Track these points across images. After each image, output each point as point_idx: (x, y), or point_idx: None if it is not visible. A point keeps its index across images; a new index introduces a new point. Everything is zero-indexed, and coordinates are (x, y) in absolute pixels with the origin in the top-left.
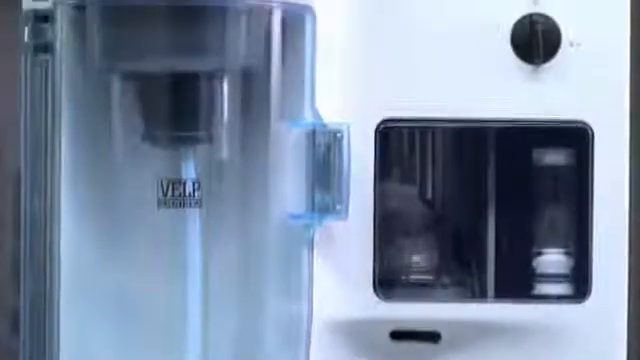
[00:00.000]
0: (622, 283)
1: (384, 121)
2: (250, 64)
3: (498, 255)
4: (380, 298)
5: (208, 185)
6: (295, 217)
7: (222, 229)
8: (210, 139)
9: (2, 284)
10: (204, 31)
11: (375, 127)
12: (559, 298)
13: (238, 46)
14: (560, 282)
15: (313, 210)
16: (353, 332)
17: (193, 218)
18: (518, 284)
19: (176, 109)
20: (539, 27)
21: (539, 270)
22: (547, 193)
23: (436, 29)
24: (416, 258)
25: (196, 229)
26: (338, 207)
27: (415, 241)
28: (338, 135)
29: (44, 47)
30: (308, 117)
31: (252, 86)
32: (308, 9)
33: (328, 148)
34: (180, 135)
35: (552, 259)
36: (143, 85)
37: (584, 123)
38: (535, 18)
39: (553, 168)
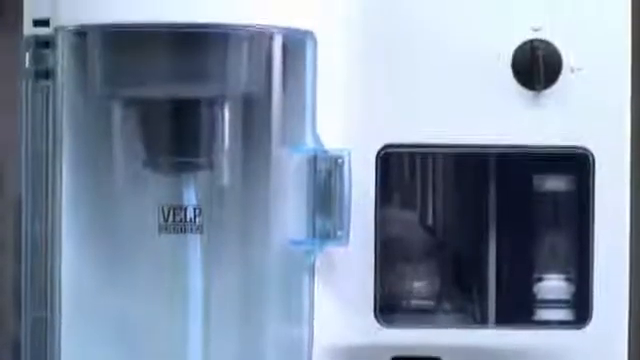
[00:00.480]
0: (623, 309)
1: (385, 147)
2: (251, 90)
3: (499, 281)
4: (381, 324)
5: (209, 211)
6: (296, 243)
7: (223, 255)
8: (211, 165)
9: (3, 310)
10: (205, 57)
11: (376, 153)
12: (560, 324)
13: (239, 72)
14: (561, 308)
15: (314, 236)
16: (354, 358)
17: (194, 244)
18: (519, 310)
19: (177, 135)
20: (540, 53)
21: (540, 296)
22: (548, 219)
23: (437, 55)
24: (417, 284)
25: (197, 255)
26: (339, 233)
27: (416, 267)
28: (339, 161)
29: (45, 73)
30: (309, 143)
31: (253, 112)
32: (309, 35)
33: (329, 174)
34: (181, 161)
35: (553, 285)
36: (144, 111)
37: (585, 149)
38: (536, 44)
39: (554, 194)
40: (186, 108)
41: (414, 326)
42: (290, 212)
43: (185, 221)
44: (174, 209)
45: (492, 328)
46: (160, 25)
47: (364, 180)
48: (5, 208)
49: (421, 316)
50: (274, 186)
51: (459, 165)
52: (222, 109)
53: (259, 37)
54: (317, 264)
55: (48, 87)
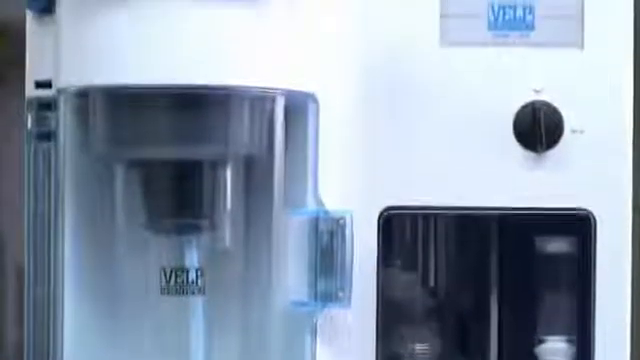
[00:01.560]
0: None
1: (387, 208)
2: (253, 152)
3: (501, 342)
4: None
5: (211, 272)
6: (298, 304)
7: (225, 316)
8: (213, 227)
9: None
10: (207, 119)
11: (378, 215)
12: None
13: (241, 134)
14: None
15: (316, 297)
16: None
17: (196, 305)
18: None
19: (179, 197)
20: (541, 115)
21: (542, 358)
22: (549, 280)
23: (439, 117)
24: (419, 346)
25: (199, 316)
26: (341, 294)
27: (418, 329)
28: (341, 222)
29: (47, 135)
30: (311, 204)
31: (255, 174)
32: (311, 97)
33: (331, 235)
34: (183, 223)
35: (555, 347)
36: (146, 173)
37: (586, 211)
38: (537, 106)
39: (556, 256)
40: (188, 170)
41: None
42: (292, 273)
43: (187, 283)
44: (176, 271)
45: None
46: (162, 87)
47: (366, 241)
48: (7, 274)
49: None
50: (276, 247)
51: (461, 227)
52: (224, 171)
53: (261, 99)
54: (319, 325)
55: (50, 149)
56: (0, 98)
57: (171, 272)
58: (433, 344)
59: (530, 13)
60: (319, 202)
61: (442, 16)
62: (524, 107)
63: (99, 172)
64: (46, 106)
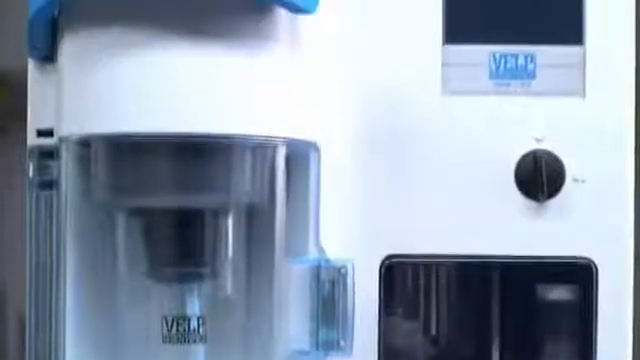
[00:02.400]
0: None
1: (388, 257)
2: (255, 200)
3: None
4: None
5: (213, 321)
6: (299, 353)
7: None
8: (214, 275)
9: None
10: (209, 168)
11: (379, 263)
12: None
13: (243, 183)
14: None
15: (317, 346)
16: None
17: (198, 354)
18: None
19: (181, 245)
20: (543, 164)
21: None
22: (551, 329)
23: (440, 165)
24: None
25: None
26: (342, 343)
27: None
28: (342, 271)
29: (49, 183)
30: (312, 253)
31: (256, 222)
32: (312, 145)
33: (332, 284)
34: (184, 271)
35: None
36: (147, 221)
37: (588, 259)
38: (539, 155)
39: (557, 304)
40: (189, 218)
41: None
42: (293, 322)
43: (189, 331)
44: (177, 319)
45: None
46: (163, 135)
47: (367, 290)
48: (8, 324)
49: None
50: (277, 296)
51: (462, 275)
52: (225, 219)
53: (263, 148)
54: None
55: (52, 197)
56: (1, 147)
57: (173, 320)
58: None
59: (531, 62)
60: (321, 250)
61: (443, 65)
62: (525, 156)
63: (101, 220)
64: (48, 154)
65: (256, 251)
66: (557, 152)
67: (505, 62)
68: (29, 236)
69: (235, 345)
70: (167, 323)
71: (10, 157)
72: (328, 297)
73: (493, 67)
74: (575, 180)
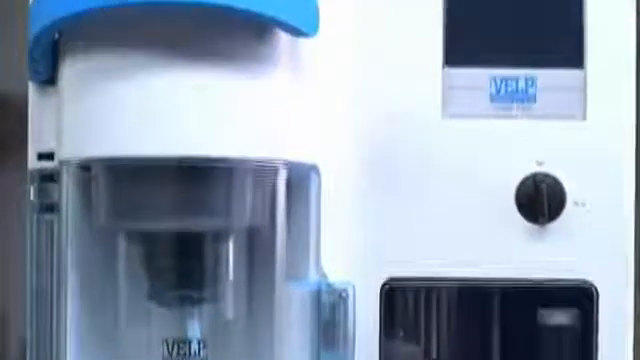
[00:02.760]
0: None
1: (389, 280)
2: (255, 223)
3: None
4: None
5: (213, 344)
6: None
7: None
8: (215, 298)
9: None
10: (210, 191)
11: (380, 286)
12: None
13: (243, 206)
14: None
15: None
16: None
17: None
18: None
19: (182, 268)
20: (543, 187)
21: None
22: (552, 352)
23: (441, 188)
24: None
25: None
26: None
27: None
28: (343, 294)
29: (50, 207)
30: (313, 276)
31: (257, 245)
32: (313, 168)
33: (333, 307)
34: (185, 295)
35: None
36: (148, 244)
37: (589, 283)
38: (539, 178)
39: (558, 328)
40: (190, 241)
41: None
42: (294, 345)
43: (189, 354)
44: (178, 342)
45: None
46: (164, 159)
47: (368, 313)
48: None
49: None
50: (278, 319)
51: (463, 298)
52: (226, 242)
53: (264, 171)
54: None
55: (53, 221)
56: (1, 170)
57: (174, 343)
58: None
59: (532, 85)
60: (321, 274)
61: (444, 88)
62: (526, 179)
63: (102, 243)
64: (48, 178)
65: (257, 274)
66: (558, 175)
67: (506, 85)
68: (30, 259)
69: None
70: (168, 346)
71: (10, 180)
72: (329, 320)
73: (494, 90)
74: (576, 203)
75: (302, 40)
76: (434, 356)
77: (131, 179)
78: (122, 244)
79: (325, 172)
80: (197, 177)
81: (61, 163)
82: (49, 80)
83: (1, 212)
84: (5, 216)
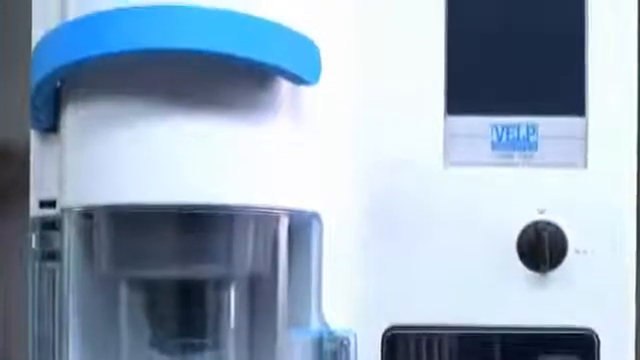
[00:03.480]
0: None
1: (390, 328)
2: (257, 271)
3: None
4: None
5: None
6: None
7: None
8: (217, 346)
9: None
10: (211, 239)
11: (382, 334)
12: None
13: (245, 253)
14: None
15: None
16: None
17: None
18: None
19: (183, 316)
20: (545, 235)
21: None
22: None
23: (442, 236)
24: None
25: None
26: None
27: None
28: (345, 342)
29: (52, 254)
30: (314, 323)
31: (259, 293)
32: (314, 216)
33: (335, 355)
34: (187, 342)
35: None
36: (150, 292)
37: (590, 330)
38: (541, 226)
39: None
40: (192, 289)
41: None
42: None
43: None
44: None
45: None
46: (166, 206)
47: None
48: None
49: None
50: None
51: (465, 345)
52: (228, 290)
53: (265, 219)
54: None
55: (55, 268)
56: (3, 218)
57: None
58: None
59: (533, 133)
60: (323, 321)
61: (445, 136)
62: (527, 227)
63: (104, 291)
64: (50, 225)
65: (258, 322)
66: (559, 223)
67: (507, 133)
68: (32, 307)
69: None
70: None
71: (12, 229)
72: None
73: (495, 138)
74: (577, 251)
75: (303, 87)
76: None
77: (132, 227)
78: (124, 291)
79: (326, 219)
80: (198, 225)
81: (63, 211)
82: (51, 128)
83: (3, 260)
84: (7, 264)
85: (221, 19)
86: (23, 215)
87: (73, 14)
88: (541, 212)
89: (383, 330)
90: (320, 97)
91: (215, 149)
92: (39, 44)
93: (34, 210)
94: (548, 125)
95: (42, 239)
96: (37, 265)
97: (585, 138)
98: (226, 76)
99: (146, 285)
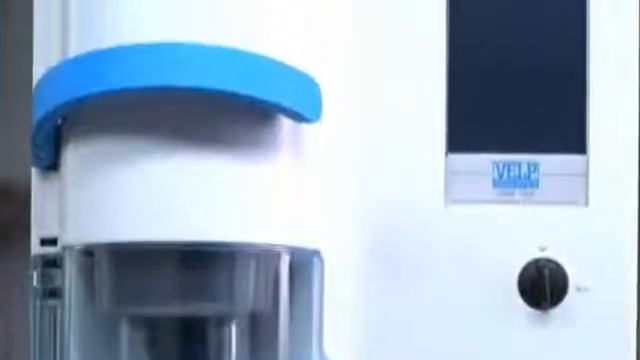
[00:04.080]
0: None
1: None
2: (258, 308)
3: None
4: None
5: None
6: None
7: None
8: None
9: None
10: (212, 276)
11: None
12: None
13: (246, 291)
14: None
15: None
16: None
17: None
18: None
19: (185, 353)
20: (546, 272)
21: None
22: None
23: (442, 274)
24: None
25: None
26: None
27: None
28: None
29: (53, 292)
30: None
31: (260, 330)
32: (316, 254)
33: None
34: None
35: None
36: (151, 329)
37: None
38: (542, 263)
39: None
40: (193, 326)
41: None
42: None
43: None
44: None
45: None
46: (167, 244)
47: None
48: None
49: None
50: None
51: None
52: (229, 327)
53: (266, 256)
54: None
55: (56, 306)
56: (4, 257)
57: None
58: None
59: (535, 171)
60: (324, 358)
61: (446, 173)
62: (528, 264)
63: (105, 328)
64: (51, 263)
65: (260, 358)
66: (560, 261)
67: (508, 171)
68: (33, 344)
69: None
70: None
71: (14, 267)
72: None
73: (496, 176)
74: (578, 289)
75: (304, 125)
76: None
77: (134, 264)
78: (125, 329)
79: (327, 257)
80: (200, 262)
81: (64, 248)
82: (52, 165)
83: (5, 298)
84: (9, 302)
85: (223, 57)
86: (25, 253)
87: (74, 51)
88: (542, 250)
89: None
90: (321, 135)
91: (216, 187)
92: (40, 81)
93: (35, 248)
94: (549, 163)
95: (43, 277)
96: (38, 302)
97: (586, 176)
98: (227, 114)
99: (147, 322)
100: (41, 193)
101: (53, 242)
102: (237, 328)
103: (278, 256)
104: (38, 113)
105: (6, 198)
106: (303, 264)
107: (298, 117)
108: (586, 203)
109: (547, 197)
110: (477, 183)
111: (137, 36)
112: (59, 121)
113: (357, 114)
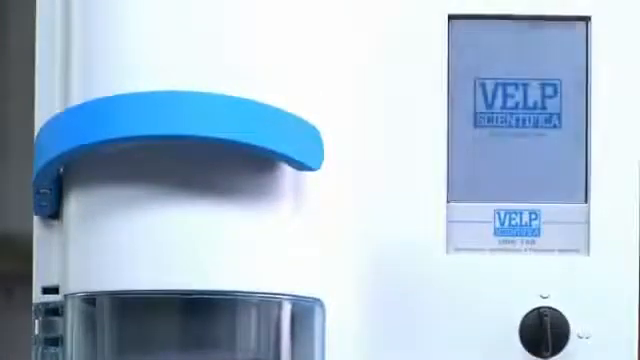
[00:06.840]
0: None
1: None
2: (260, 357)
3: None
4: None
5: None
6: None
7: None
8: None
9: None
10: (214, 325)
11: None
12: None
13: (248, 339)
14: None
15: None
16: None
17: None
18: None
19: None
20: (547, 320)
21: None
22: None
23: (443, 323)
24: None
25: None
26: None
27: None
28: None
29: (55, 340)
30: None
31: None
32: (317, 302)
33: None
34: None
35: None
36: None
37: None
38: (543, 312)
39: None
40: None
41: None
42: None
43: None
44: None
45: None
46: (168, 292)
47: None
48: None
49: None
50: None
51: None
52: None
53: (268, 304)
54: None
55: (58, 354)
56: (6, 309)
57: None
58: None
59: (536, 219)
60: None
61: (448, 222)
62: (530, 313)
63: None
64: (53, 311)
65: None
66: (562, 309)
67: (510, 219)
68: None
69: None
70: None
71: (16, 319)
72: None
73: (497, 224)
74: (580, 337)
75: (306, 173)
76: None
77: (135, 312)
78: None
79: (329, 303)
80: (202, 311)
81: (66, 297)
82: (53, 214)
83: (9, 350)
84: (10, 353)
85: (224, 105)
86: (27, 306)
87: (76, 99)
88: (544, 297)
89: None
90: (322, 183)
91: (218, 236)
92: (42, 130)
93: (37, 296)
94: (551, 211)
95: (45, 325)
96: (40, 351)
97: (588, 224)
98: (229, 163)
99: None
100: (43, 242)
101: (55, 291)
102: None
103: (279, 304)
104: (40, 161)
105: (7, 250)
106: (305, 312)
107: (300, 165)
108: (587, 251)
109: (548, 245)
110: (478, 231)
111: (141, 84)
112: (61, 169)
113: (358, 162)
